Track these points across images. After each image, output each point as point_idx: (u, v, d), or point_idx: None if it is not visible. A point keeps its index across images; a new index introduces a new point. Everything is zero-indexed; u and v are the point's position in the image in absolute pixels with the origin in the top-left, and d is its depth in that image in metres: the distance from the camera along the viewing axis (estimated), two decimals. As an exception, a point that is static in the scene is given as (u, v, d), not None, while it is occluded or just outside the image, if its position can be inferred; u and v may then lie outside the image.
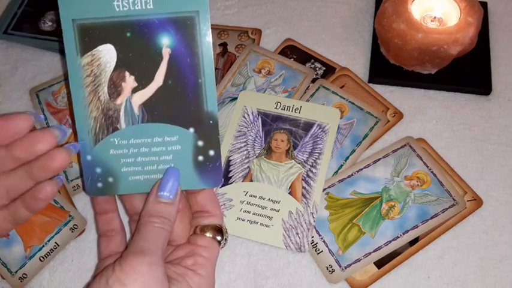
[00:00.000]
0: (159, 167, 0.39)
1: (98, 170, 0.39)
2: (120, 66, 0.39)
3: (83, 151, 0.39)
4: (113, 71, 0.39)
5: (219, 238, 0.40)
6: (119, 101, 0.39)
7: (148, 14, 0.38)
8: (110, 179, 0.39)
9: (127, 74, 0.39)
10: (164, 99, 0.39)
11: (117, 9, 0.38)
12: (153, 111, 0.39)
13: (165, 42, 0.38)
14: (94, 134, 0.39)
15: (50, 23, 0.63)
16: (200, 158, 0.39)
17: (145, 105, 0.39)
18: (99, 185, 0.40)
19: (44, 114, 0.56)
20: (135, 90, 0.39)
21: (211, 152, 0.39)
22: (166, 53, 0.38)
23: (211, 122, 0.39)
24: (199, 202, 0.41)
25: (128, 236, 0.44)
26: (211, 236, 0.40)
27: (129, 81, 0.39)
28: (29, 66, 0.61)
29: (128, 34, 0.38)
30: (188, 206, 0.41)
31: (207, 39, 0.38)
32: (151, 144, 0.39)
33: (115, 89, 0.39)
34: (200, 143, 0.39)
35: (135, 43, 0.38)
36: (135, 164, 0.39)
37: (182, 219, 0.40)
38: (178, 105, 0.39)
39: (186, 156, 0.39)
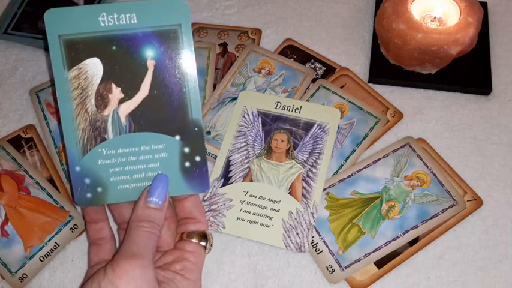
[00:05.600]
0: (147, 175, 0.40)
1: (87, 180, 0.40)
2: (107, 78, 0.40)
3: (71, 162, 0.40)
4: (100, 83, 0.40)
5: (204, 244, 0.41)
6: (106, 112, 0.40)
7: (132, 29, 0.39)
8: (99, 189, 0.40)
9: (113, 86, 0.40)
10: (150, 108, 0.40)
11: (103, 25, 0.39)
12: (140, 120, 0.40)
13: (150, 54, 0.39)
14: (82, 145, 0.40)
15: (50, 23, 0.63)
16: (187, 164, 0.40)
17: (132, 115, 0.40)
18: (88, 195, 0.40)
19: (44, 114, 0.56)
20: (121, 101, 0.40)
21: (198, 158, 0.41)
22: (151, 64, 0.40)
23: (196, 129, 0.40)
24: (186, 209, 0.42)
25: (117, 244, 0.44)
26: (197, 241, 0.41)
27: (116, 92, 0.40)
28: (29, 66, 0.61)
29: (114, 48, 0.39)
30: (175, 213, 0.42)
31: (189, 50, 0.40)
32: (139, 152, 0.40)
33: (102, 100, 0.40)
34: (186, 150, 0.40)
35: (120, 56, 0.39)
36: (124, 173, 0.40)
37: (169, 226, 0.41)
38: (164, 114, 0.40)
39: (173, 163, 0.40)
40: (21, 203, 0.50)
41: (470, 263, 0.46)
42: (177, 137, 0.40)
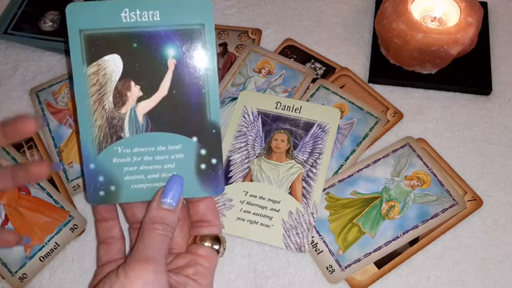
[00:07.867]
0: (162, 175, 0.40)
1: (101, 178, 0.40)
2: (126, 76, 0.39)
3: (86, 159, 0.39)
4: (119, 80, 0.39)
5: (217, 248, 0.40)
6: (123, 110, 0.39)
7: (155, 26, 0.38)
8: (112, 188, 0.40)
9: (132, 83, 0.39)
10: (168, 108, 0.39)
11: (124, 21, 0.38)
12: (157, 120, 0.39)
13: (171, 53, 0.39)
14: (98, 143, 0.39)
15: (50, 23, 0.63)
16: (203, 166, 0.40)
17: (150, 114, 0.39)
18: (101, 193, 0.40)
19: (44, 114, 0.56)
20: (140, 100, 0.39)
21: (214, 161, 0.40)
22: (171, 63, 0.39)
23: (214, 131, 0.40)
24: (200, 212, 0.41)
25: (127, 243, 0.44)
26: (210, 245, 0.40)
27: (135, 90, 0.39)
28: (29, 66, 0.61)
29: (135, 45, 0.39)
30: (188, 215, 0.42)
31: (211, 51, 0.39)
32: (155, 152, 0.39)
33: (120, 98, 0.39)
34: (203, 152, 0.40)
35: (141, 53, 0.39)
36: (138, 172, 0.39)
37: (182, 228, 0.41)
38: (182, 114, 0.39)
39: (188, 164, 0.40)
40: (22, 203, 0.50)
41: (470, 263, 0.46)
42: (194, 139, 0.39)
